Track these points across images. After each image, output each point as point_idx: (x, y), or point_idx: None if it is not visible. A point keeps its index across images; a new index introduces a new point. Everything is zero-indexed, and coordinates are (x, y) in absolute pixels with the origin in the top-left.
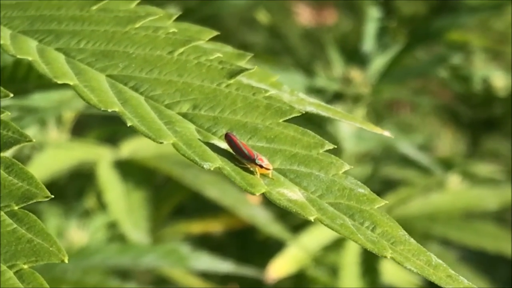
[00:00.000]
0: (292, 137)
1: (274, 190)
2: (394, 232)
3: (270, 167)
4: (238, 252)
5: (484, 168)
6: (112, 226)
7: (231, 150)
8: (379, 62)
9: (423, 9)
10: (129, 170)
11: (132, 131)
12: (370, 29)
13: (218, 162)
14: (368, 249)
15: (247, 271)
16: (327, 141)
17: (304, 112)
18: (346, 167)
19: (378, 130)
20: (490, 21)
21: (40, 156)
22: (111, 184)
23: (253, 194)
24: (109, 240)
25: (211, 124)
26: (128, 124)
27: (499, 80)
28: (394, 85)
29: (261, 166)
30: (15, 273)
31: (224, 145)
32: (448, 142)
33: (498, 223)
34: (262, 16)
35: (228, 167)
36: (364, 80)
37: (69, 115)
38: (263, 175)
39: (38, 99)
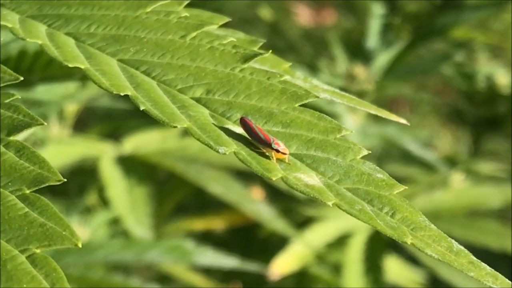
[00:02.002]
0: (309, 121)
1: (290, 175)
2: (414, 218)
3: (287, 151)
4: (241, 249)
5: (486, 166)
6: (114, 222)
7: (246, 135)
8: (383, 59)
9: (427, 6)
10: (132, 166)
11: (135, 127)
12: (374, 25)
13: (233, 146)
14: (388, 235)
15: (250, 267)
16: (344, 126)
17: (319, 97)
18: (364, 152)
19: (394, 117)
20: (489, 21)
21: (42, 152)
22: (113, 180)
23: (269, 178)
24: (111, 237)
25: (226, 109)
26: (141, 108)
27: (502, 78)
28: (398, 81)
29: (277, 151)
30: (27, 257)
31: (239, 129)
32: (448, 141)
33: (501, 221)
34: (265, 13)
35: (244, 152)
36: (368, 77)
37: (71, 111)
38: (279, 160)
39: (42, 92)
